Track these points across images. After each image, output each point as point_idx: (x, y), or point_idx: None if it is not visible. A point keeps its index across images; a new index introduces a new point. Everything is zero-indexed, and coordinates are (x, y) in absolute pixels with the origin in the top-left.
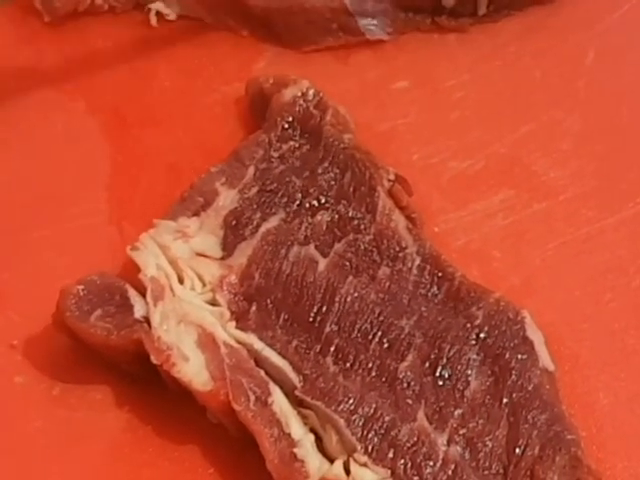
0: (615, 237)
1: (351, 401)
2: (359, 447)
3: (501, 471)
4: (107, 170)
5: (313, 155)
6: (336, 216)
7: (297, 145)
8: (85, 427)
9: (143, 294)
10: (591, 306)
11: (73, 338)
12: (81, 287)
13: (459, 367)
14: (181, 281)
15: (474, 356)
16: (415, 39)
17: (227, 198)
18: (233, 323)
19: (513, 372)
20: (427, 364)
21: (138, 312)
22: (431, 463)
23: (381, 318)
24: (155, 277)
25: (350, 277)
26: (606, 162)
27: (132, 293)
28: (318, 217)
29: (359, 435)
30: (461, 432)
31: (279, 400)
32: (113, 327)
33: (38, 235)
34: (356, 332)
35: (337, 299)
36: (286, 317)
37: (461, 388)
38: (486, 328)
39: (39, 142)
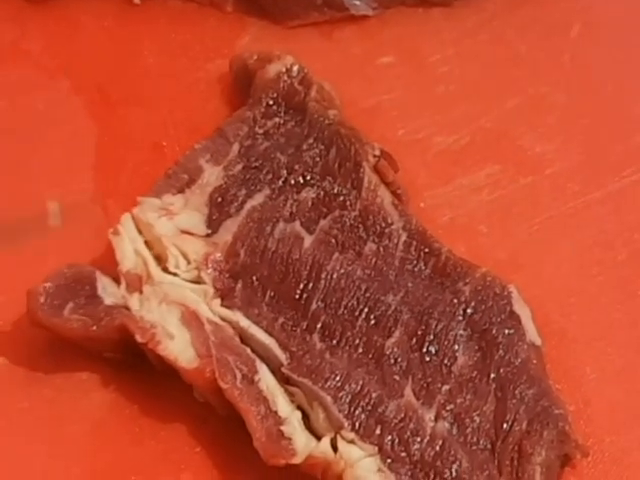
0: (601, 211)
1: (338, 378)
2: (346, 424)
3: (489, 446)
4: (91, 149)
5: (298, 131)
6: (321, 192)
7: (282, 121)
8: (71, 407)
9: None
10: (578, 280)
11: (53, 334)
12: (48, 284)
13: (446, 343)
14: (165, 260)
15: (461, 332)
16: (400, 14)
17: (212, 175)
18: (218, 301)
19: (500, 347)
20: (414, 340)
21: (109, 299)
22: (418, 439)
23: (367, 294)
24: (130, 271)
25: (336, 254)
26: (592, 136)
27: (104, 281)
28: (303, 194)
29: (346, 412)
30: (448, 408)
31: (266, 378)
32: (90, 319)
33: (20, 216)
34: (342, 309)
35: (323, 276)
36: (272, 294)
37: (448, 364)
38: (473, 303)
39: (22, 121)
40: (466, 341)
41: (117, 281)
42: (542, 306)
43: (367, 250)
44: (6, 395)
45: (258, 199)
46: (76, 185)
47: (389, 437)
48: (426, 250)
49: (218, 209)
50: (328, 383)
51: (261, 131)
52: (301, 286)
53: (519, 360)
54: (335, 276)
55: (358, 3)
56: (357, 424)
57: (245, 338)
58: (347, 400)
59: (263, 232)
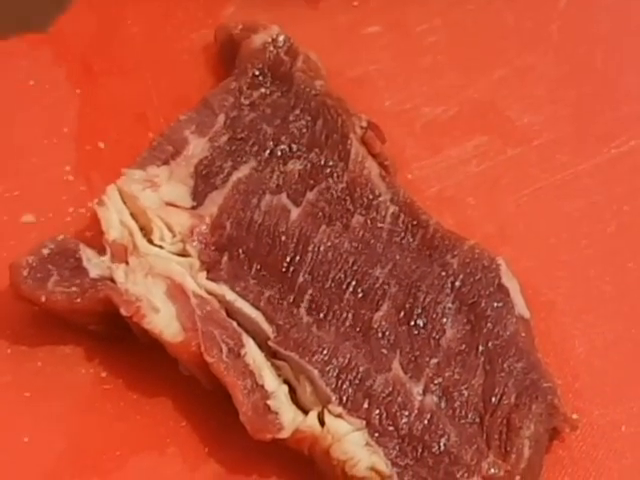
0: (590, 183)
1: (325, 352)
2: (333, 398)
3: (477, 420)
4: (74, 120)
5: (284, 102)
6: (308, 164)
7: (268, 92)
8: (55, 381)
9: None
10: (567, 253)
11: (37, 307)
12: (31, 257)
13: (434, 316)
14: (150, 232)
15: (449, 304)
16: None
17: (197, 147)
18: (204, 274)
19: (489, 320)
20: (402, 313)
21: (95, 271)
22: (406, 413)
23: (355, 267)
24: (116, 240)
25: (323, 226)
26: (580, 107)
27: (88, 253)
28: (290, 165)
29: (333, 386)
30: (437, 381)
31: (252, 351)
32: (74, 291)
33: (2, 188)
34: (330, 282)
35: (310, 248)
36: (258, 267)
37: (436, 337)
38: (461, 276)
39: (2, 91)
40: (454, 314)
41: (101, 255)
42: (531, 279)
43: (354, 222)
44: None
45: (244, 171)
46: (58, 157)
47: (377, 411)
48: (414, 222)
49: (203, 181)
50: (315, 357)
51: (247, 102)
52: (288, 259)
53: (508, 333)
54: (322, 249)
55: None
56: (344, 398)
57: (231, 312)
58: (334, 374)
59: (249, 204)
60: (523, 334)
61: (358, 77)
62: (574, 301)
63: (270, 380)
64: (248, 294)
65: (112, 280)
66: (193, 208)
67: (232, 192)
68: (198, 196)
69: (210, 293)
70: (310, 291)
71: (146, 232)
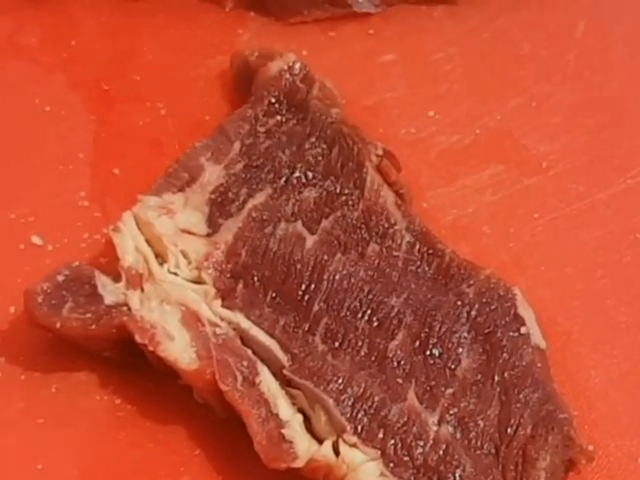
0: (606, 213)
1: (340, 380)
2: (348, 427)
3: (493, 451)
4: (89, 146)
5: (300, 130)
6: (324, 192)
7: (284, 120)
8: (69, 408)
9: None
10: (582, 283)
11: (52, 334)
12: (46, 284)
13: (450, 345)
14: (165, 259)
15: (465, 334)
16: (402, 11)
17: (213, 174)
18: (219, 301)
19: (504, 350)
20: (417, 343)
21: (110, 298)
22: (422, 443)
23: (370, 296)
24: (132, 266)
25: (338, 254)
26: (597, 136)
27: (103, 280)
28: (305, 193)
29: (348, 415)
30: (452, 411)
31: (267, 380)
32: (89, 318)
33: (17, 214)
34: (345, 310)
35: (325, 277)
36: (274, 295)
37: (452, 367)
38: (477, 306)
39: (18, 117)
40: (470, 344)
41: (116, 281)
42: (546, 308)
43: (370, 251)
44: (3, 395)
45: (259, 198)
46: (73, 183)
47: (392, 441)
48: (429, 251)
49: (219, 208)
50: (330, 386)
51: (263, 129)
52: (303, 287)
53: (523, 363)
54: (337, 277)
55: (361, 0)
56: (359, 427)
57: (246, 339)
58: (349, 403)
59: (264, 232)
60: (539, 364)
61: (374, 105)
62: (590, 331)
63: (285, 409)
64: (263, 322)
65: (127, 307)
66: (208, 235)
67: (247, 220)
68: (213, 223)
69: (225, 321)
70: (325, 319)
71: (161, 259)
